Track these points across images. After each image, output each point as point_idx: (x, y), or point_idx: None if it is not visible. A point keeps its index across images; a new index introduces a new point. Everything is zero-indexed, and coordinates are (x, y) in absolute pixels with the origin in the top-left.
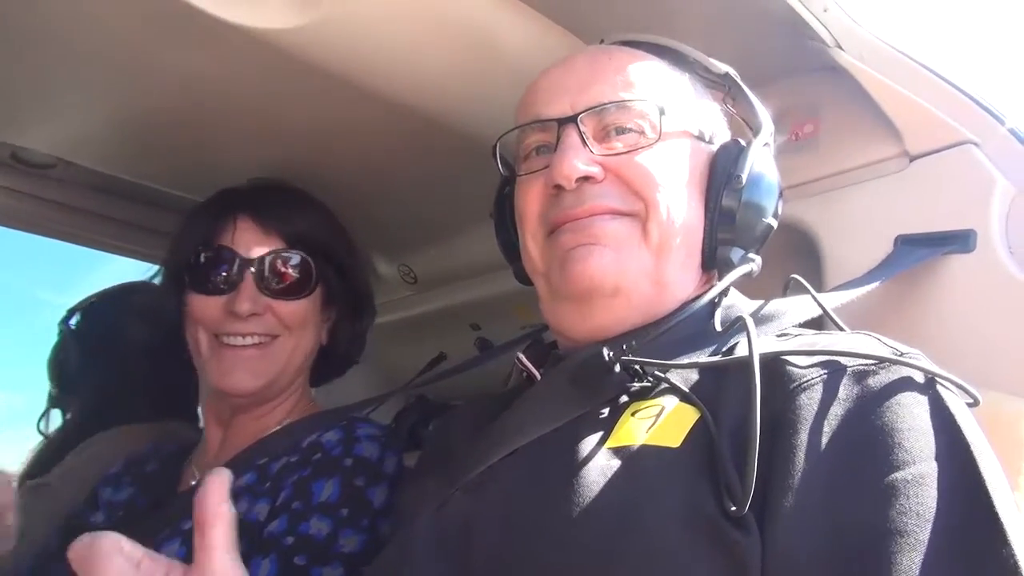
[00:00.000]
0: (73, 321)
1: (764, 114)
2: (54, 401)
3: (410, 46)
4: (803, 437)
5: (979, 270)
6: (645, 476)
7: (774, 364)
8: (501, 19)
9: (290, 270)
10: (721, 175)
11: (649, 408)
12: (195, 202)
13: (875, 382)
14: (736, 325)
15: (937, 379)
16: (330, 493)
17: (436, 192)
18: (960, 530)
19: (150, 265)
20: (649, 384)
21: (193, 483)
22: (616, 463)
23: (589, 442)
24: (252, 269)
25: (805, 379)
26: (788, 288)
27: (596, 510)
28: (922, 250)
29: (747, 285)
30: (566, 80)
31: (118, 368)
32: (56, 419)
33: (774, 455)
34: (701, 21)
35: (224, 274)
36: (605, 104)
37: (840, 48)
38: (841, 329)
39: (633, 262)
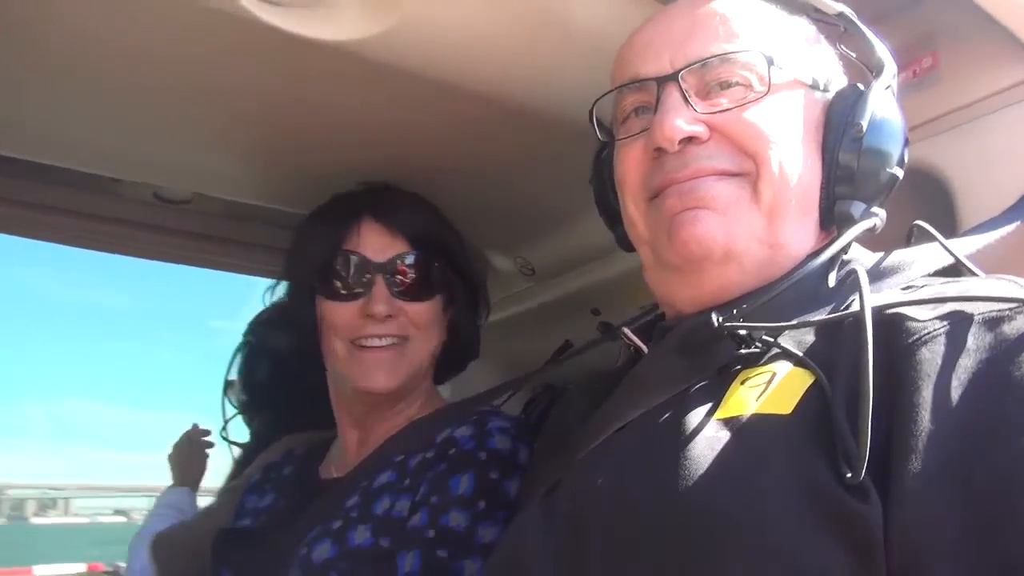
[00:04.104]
0: (256, 333)
1: (885, 53)
2: (242, 408)
3: (487, 36)
4: (926, 394)
5: None
6: (755, 446)
7: (892, 318)
8: (603, 9)
9: (417, 272)
10: (838, 125)
11: (760, 375)
12: None
13: (1011, 328)
14: (850, 280)
15: None
16: (466, 487)
17: (541, 179)
18: None
19: None
20: (758, 350)
21: (334, 475)
22: (725, 434)
23: (698, 413)
24: (383, 273)
25: (926, 332)
26: (913, 237)
27: (705, 482)
28: None
29: (873, 239)
30: (664, 34)
31: (296, 377)
32: (236, 428)
33: (895, 416)
34: None
35: (356, 279)
36: (707, 58)
37: None
38: (976, 276)
39: (744, 225)
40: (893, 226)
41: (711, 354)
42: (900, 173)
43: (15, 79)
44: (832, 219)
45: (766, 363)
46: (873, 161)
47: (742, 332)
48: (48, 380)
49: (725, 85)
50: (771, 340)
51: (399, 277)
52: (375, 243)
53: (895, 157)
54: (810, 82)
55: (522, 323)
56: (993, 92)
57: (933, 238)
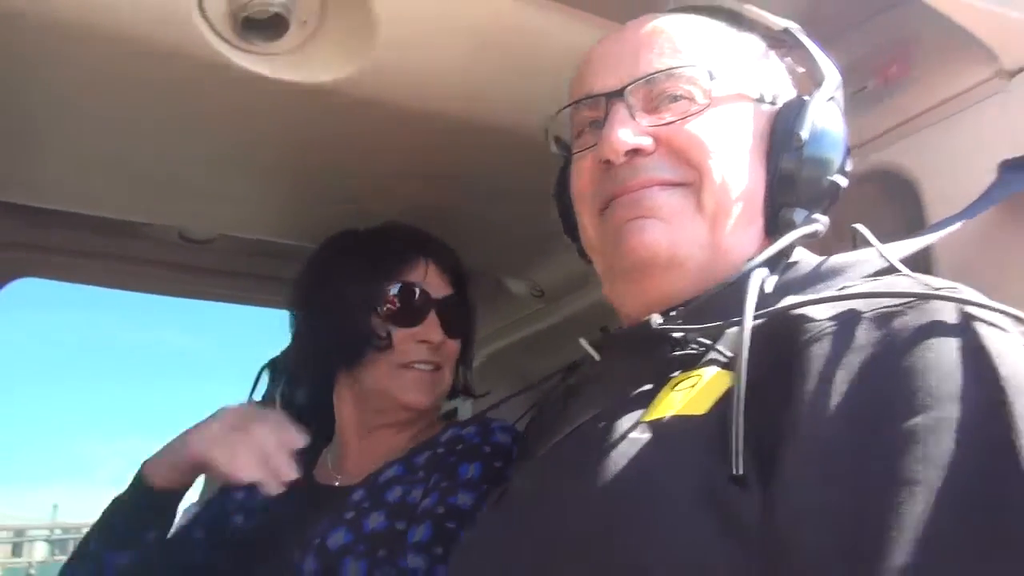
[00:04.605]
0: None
1: (828, 67)
2: None
3: (462, 65)
4: (811, 388)
5: None
6: (665, 446)
7: (794, 318)
8: (548, 23)
9: (458, 312)
10: (781, 135)
11: (689, 379)
12: None
13: (901, 323)
14: (779, 284)
15: (977, 314)
16: (473, 473)
17: (537, 201)
18: (977, 479)
19: None
20: (694, 352)
21: (336, 483)
22: (647, 436)
23: (630, 418)
24: (437, 308)
25: (819, 330)
26: (857, 240)
27: (616, 483)
28: None
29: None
30: (615, 52)
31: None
32: None
33: (781, 412)
34: None
35: (415, 309)
36: (652, 74)
37: None
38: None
39: (687, 232)
40: (869, 227)
41: (652, 359)
42: (843, 181)
43: (48, 140)
44: (776, 226)
45: (699, 367)
46: (813, 170)
47: (677, 335)
48: (114, 420)
49: (670, 99)
50: (706, 343)
51: (447, 314)
52: (435, 281)
53: (835, 165)
54: (755, 95)
55: (534, 344)
56: (958, 93)
57: (870, 241)
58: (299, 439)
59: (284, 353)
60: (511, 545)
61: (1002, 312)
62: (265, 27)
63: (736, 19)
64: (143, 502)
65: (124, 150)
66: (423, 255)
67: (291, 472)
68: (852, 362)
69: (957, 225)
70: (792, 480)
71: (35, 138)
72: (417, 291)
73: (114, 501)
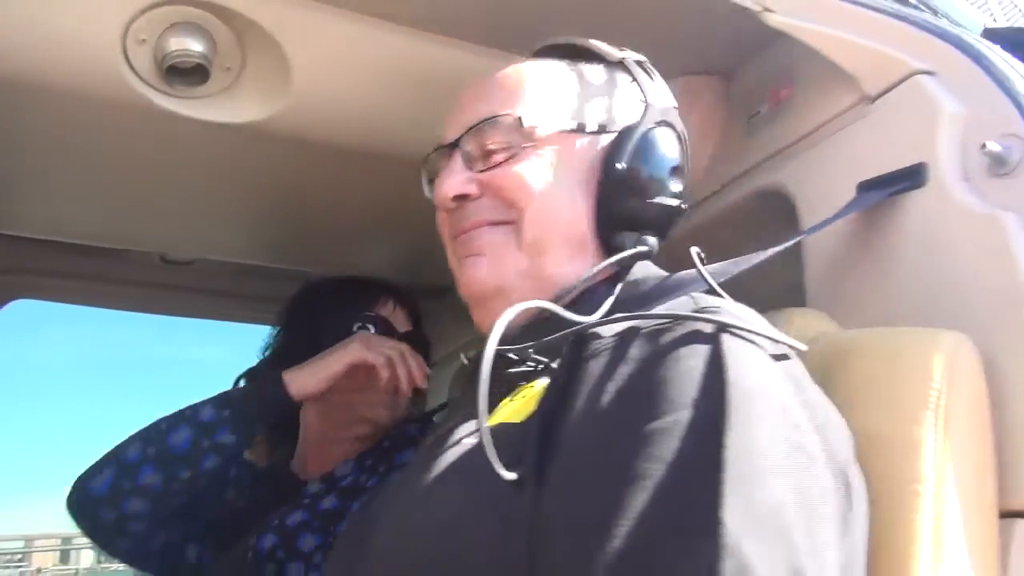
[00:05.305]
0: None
1: (657, 94)
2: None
3: (376, 103)
4: (582, 398)
5: (934, 204)
6: (478, 453)
7: (587, 337)
8: (451, 58)
9: (416, 346)
10: (605, 164)
11: (523, 391)
12: (302, 272)
13: (665, 339)
14: (616, 303)
15: (732, 331)
16: (408, 458)
17: None
18: (690, 473)
19: None
20: (529, 369)
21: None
22: (474, 441)
23: (465, 428)
24: (400, 339)
25: (601, 347)
26: (701, 261)
27: (432, 483)
28: (873, 194)
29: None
30: (462, 103)
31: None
32: None
33: (554, 421)
34: (651, 21)
35: (385, 336)
36: (479, 123)
37: (770, 11)
38: (719, 295)
39: (509, 266)
40: (755, 242)
41: (503, 373)
42: (672, 202)
43: (29, 177)
44: (610, 250)
45: (535, 379)
46: (634, 194)
47: (512, 355)
48: None
49: (497, 144)
50: (542, 359)
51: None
52: (400, 318)
53: (660, 189)
54: (585, 128)
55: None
56: (829, 118)
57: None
58: (426, 368)
59: (262, 364)
60: (356, 544)
61: (758, 333)
62: (190, 73)
63: (585, 54)
64: (273, 402)
65: (95, 186)
66: (391, 296)
67: (424, 382)
68: (621, 374)
69: (792, 243)
70: (549, 487)
71: (18, 176)
72: (386, 322)
73: (234, 391)
